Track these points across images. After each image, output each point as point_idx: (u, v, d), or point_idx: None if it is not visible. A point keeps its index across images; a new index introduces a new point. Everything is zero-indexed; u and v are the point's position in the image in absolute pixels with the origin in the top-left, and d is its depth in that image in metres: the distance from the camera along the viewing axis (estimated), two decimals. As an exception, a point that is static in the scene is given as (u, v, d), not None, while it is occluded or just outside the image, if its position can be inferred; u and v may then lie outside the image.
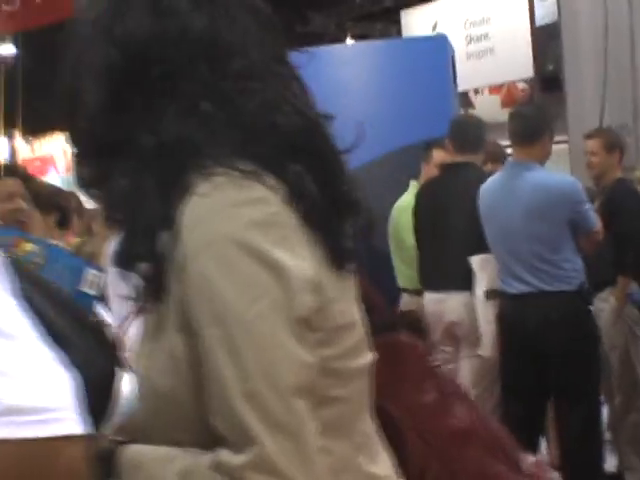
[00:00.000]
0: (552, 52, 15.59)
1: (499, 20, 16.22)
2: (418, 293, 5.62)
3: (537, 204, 4.59)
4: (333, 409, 1.27)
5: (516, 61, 16.12)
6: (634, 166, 7.19)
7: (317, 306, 1.22)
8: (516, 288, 4.65)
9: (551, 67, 17.26)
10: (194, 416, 1.23)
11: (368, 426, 1.34)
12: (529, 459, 1.44)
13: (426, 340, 1.39)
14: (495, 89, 18.20)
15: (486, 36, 16.49)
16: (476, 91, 18.11)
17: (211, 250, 1.19)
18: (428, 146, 5.88)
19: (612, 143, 5.73)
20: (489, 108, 16.40)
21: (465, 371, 5.32)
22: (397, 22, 17.97)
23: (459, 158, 5.37)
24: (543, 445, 5.42)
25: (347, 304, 1.31)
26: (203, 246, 1.19)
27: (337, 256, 1.29)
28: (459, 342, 5.35)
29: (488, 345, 4.96)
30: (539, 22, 16.14)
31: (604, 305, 5.68)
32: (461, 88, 17.02)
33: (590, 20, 12.77)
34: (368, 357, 1.32)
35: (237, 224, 1.20)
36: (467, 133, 5.40)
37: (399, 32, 17.89)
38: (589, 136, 5.96)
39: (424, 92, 6.39)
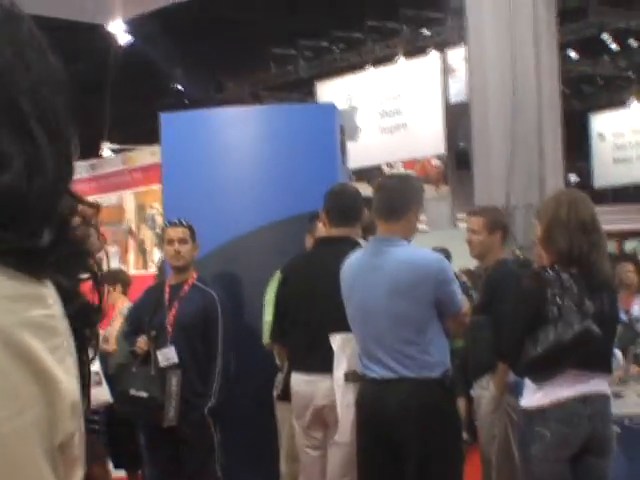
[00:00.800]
0: (464, 129, 15.58)
1: (412, 96, 16.26)
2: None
3: (400, 282, 4.27)
4: None
5: (428, 137, 16.14)
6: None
7: (72, 432, 0.98)
8: (375, 372, 4.31)
9: (463, 144, 17.31)
10: None
11: None
12: None
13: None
14: (409, 164, 18.22)
15: (399, 111, 16.49)
16: (390, 165, 18.11)
17: None
18: (313, 217, 5.59)
19: (494, 222, 5.49)
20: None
21: (335, 458, 5.00)
22: (313, 93, 17.96)
23: (334, 231, 5.08)
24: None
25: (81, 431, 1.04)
26: None
27: (85, 374, 1.06)
28: (328, 427, 5.03)
29: (346, 431, 4.64)
30: (452, 99, 16.21)
31: (484, 392, 5.42)
32: (374, 162, 17.05)
33: (498, 100, 12.80)
34: None
35: (10, 320, 0.95)
36: (342, 205, 5.11)
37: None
38: (471, 214, 5.73)
39: (310, 161, 6.13)
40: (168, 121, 6.44)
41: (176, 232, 5.64)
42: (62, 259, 1.04)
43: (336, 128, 6.32)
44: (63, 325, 1.00)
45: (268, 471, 5.67)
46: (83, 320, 1.08)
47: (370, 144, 16.87)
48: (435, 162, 18.94)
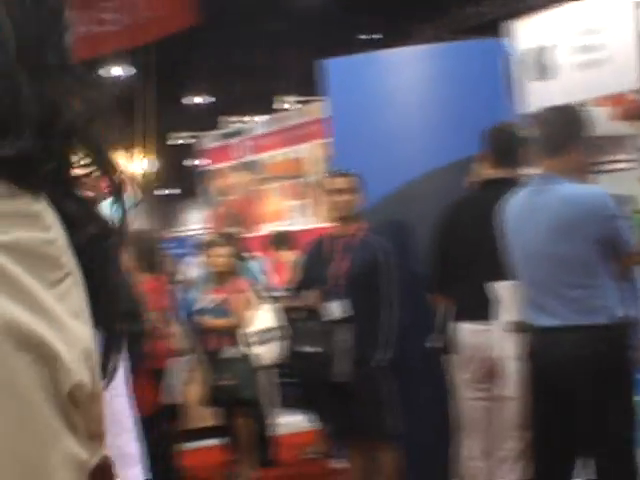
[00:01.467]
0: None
1: (607, 30, 15.51)
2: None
3: (563, 221, 3.93)
4: None
5: (624, 72, 15.38)
6: None
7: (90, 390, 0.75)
8: (542, 320, 3.99)
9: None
10: None
11: None
12: None
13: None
14: (604, 100, 17.45)
15: (594, 47, 15.79)
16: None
17: None
18: (471, 160, 5.31)
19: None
20: (598, 120, 15.55)
21: (504, 413, 4.75)
22: (499, 34, 17.42)
23: (494, 172, 4.80)
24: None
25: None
26: None
27: (112, 321, 0.82)
28: (495, 379, 4.78)
29: (513, 384, 4.37)
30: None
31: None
32: (571, 100, 16.41)
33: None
34: None
35: None
36: (507, 144, 4.80)
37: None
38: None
39: (473, 102, 5.82)
40: (333, 67, 6.27)
41: (340, 182, 5.50)
42: (60, 167, 0.78)
43: (499, 66, 5.99)
44: (67, 256, 0.76)
45: (443, 425, 5.46)
46: (103, 244, 0.83)
47: (566, 82, 16.25)
48: (632, 96, 18.05)
